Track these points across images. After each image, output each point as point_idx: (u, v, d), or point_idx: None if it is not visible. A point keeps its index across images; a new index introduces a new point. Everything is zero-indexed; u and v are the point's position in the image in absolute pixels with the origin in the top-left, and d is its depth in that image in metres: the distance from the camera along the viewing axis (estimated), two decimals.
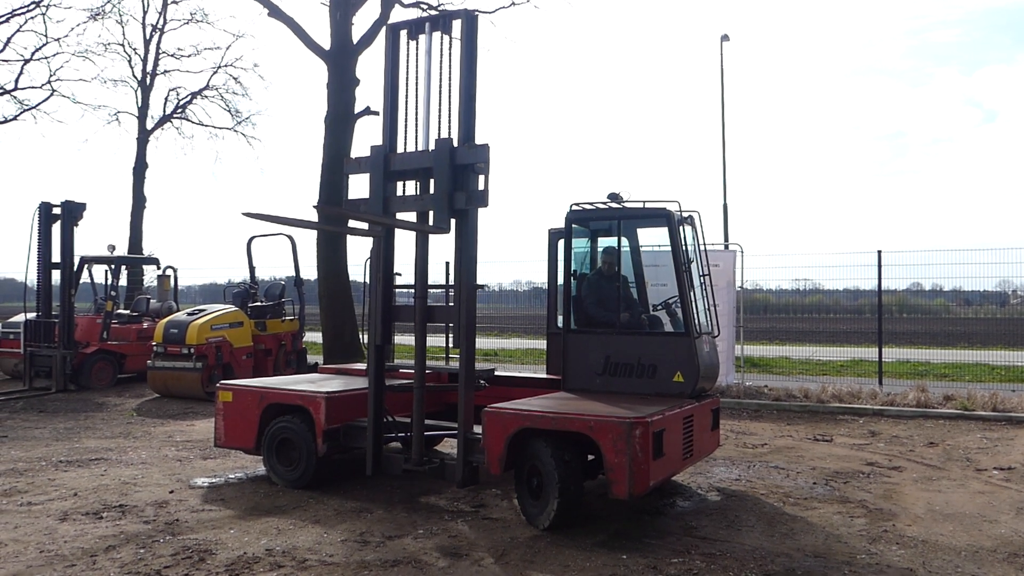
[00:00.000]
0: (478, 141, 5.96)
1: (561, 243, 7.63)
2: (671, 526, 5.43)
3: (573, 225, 6.88)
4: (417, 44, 6.29)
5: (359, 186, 6.55)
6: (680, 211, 6.55)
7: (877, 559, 4.72)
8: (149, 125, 26.94)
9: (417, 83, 6.26)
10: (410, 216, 6.35)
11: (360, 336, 15.51)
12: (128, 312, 14.59)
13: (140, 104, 26.74)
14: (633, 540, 5.09)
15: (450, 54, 6.09)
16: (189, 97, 27.73)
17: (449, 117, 6.08)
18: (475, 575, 4.43)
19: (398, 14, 15.95)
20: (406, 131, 6.31)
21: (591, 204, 6.89)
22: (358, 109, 15.46)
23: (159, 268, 15.35)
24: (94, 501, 5.95)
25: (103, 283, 14.94)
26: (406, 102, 6.32)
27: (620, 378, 6.43)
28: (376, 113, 15.55)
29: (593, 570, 4.51)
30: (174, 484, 6.56)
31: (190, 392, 11.92)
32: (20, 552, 4.73)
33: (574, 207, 6.87)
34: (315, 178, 15.42)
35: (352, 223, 7.02)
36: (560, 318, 7.78)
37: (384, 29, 6.34)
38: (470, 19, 5.99)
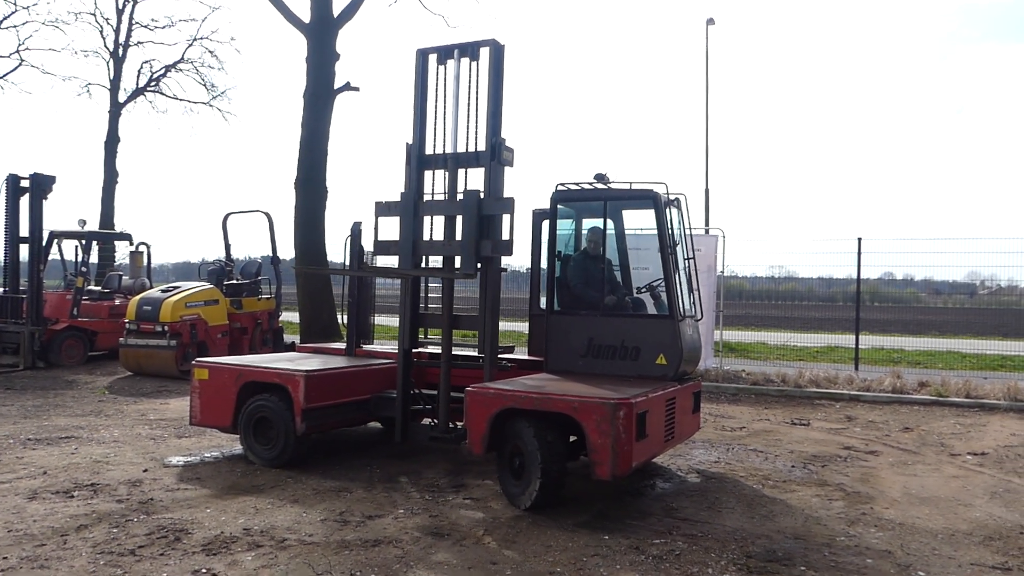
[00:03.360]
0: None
1: (545, 224, 7.57)
2: (652, 507, 5.43)
3: (559, 206, 6.81)
4: (445, 69, 6.47)
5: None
6: (667, 193, 6.50)
7: (856, 541, 4.76)
8: (121, 98, 26.38)
9: (445, 108, 6.47)
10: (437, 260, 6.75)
11: (340, 316, 15.34)
12: (99, 289, 14.29)
13: (112, 76, 26.17)
14: (615, 521, 5.08)
15: (477, 82, 6.30)
16: (163, 70, 27.18)
17: (476, 144, 6.29)
18: (456, 555, 4.39)
19: None
20: (434, 148, 6.50)
21: (577, 184, 6.83)
22: (338, 84, 15.18)
23: (131, 244, 15.03)
24: (64, 480, 5.81)
25: (73, 259, 14.61)
26: (434, 127, 6.51)
27: (603, 360, 6.39)
28: (356, 89, 15.31)
29: (575, 550, 4.49)
30: (148, 463, 6.43)
31: (164, 370, 11.72)
32: None
33: (559, 187, 6.80)
34: (293, 153, 15.10)
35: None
36: (543, 299, 7.76)
37: (415, 54, 6.58)
38: (497, 49, 6.21)
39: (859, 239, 11.61)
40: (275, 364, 6.67)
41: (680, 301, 6.31)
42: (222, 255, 14.36)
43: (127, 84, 26.49)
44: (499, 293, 6.30)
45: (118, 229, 23.12)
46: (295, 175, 15.00)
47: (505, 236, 6.14)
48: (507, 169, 6.28)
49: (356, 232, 7.88)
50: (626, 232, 7.58)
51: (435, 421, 6.46)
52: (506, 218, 6.10)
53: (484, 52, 6.29)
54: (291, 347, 14.70)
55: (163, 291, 12.43)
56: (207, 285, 12.85)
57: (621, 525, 4.99)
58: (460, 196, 6.30)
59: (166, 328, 11.68)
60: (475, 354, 6.94)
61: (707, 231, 13.60)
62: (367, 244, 7.55)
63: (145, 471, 6.13)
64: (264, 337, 13.64)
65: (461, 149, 6.38)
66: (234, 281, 13.68)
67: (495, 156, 6.14)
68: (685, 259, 6.69)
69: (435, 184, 6.52)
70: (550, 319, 6.68)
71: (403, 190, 6.52)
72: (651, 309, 6.74)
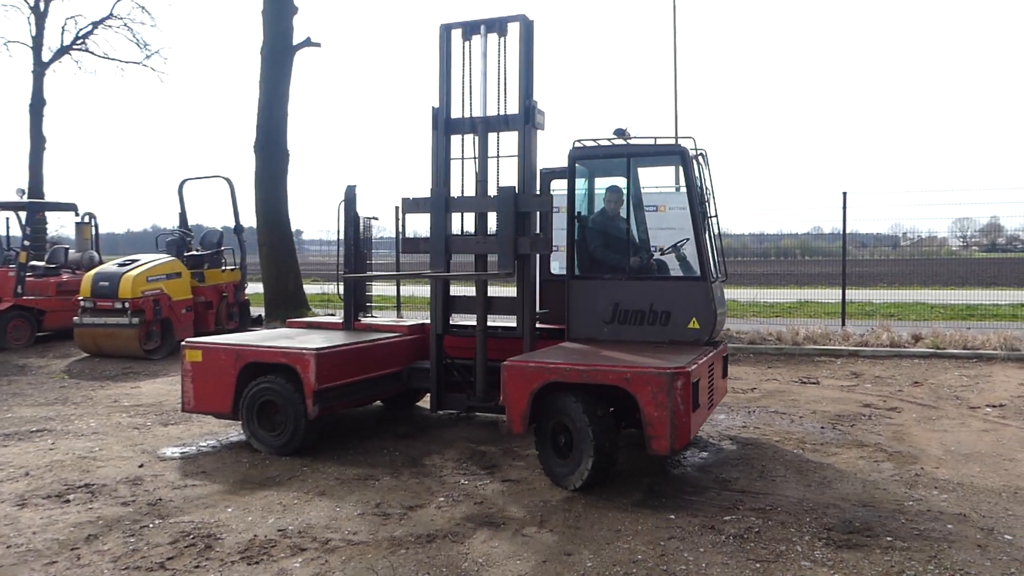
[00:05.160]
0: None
1: (555, 184, 7.16)
2: (703, 480, 5.17)
3: (576, 164, 6.37)
4: (470, 45, 6.15)
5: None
6: (695, 148, 6.14)
7: (925, 506, 4.59)
8: (45, 57, 24.41)
9: (472, 80, 6.15)
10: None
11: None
12: (44, 264, 13.19)
13: (34, 33, 24.13)
14: (671, 498, 4.80)
15: (506, 56, 6.04)
16: (90, 27, 25.24)
17: (506, 107, 6.04)
18: (522, 547, 4.02)
19: None
20: (463, 112, 6.20)
21: (594, 141, 6.39)
22: (298, 40, 14.19)
23: (77, 215, 13.89)
24: (52, 481, 5.18)
25: (7, 233, 13.44)
26: (461, 96, 6.17)
27: (630, 326, 6.05)
28: (317, 45, 14.37)
29: (647, 533, 4.18)
30: (140, 456, 5.83)
31: (126, 350, 10.89)
32: None
33: (577, 144, 6.35)
34: (252, 116, 14.14)
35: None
36: (554, 264, 7.36)
37: (438, 29, 6.20)
38: (527, 24, 5.92)
39: (844, 193, 11.53)
40: (278, 343, 6.10)
41: (711, 262, 6.02)
42: (167, 225, 13.41)
43: (51, 42, 24.52)
44: (535, 287, 6.16)
45: (47, 199, 21.60)
46: (254, 138, 14.06)
47: (545, 233, 6.06)
48: (539, 132, 6.09)
49: (350, 197, 7.29)
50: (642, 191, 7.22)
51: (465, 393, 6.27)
52: (544, 214, 6.03)
53: (513, 27, 6.03)
54: (259, 320, 13.97)
55: (120, 265, 11.49)
56: (168, 257, 11.94)
57: (681, 502, 4.71)
58: (493, 193, 6.09)
59: (126, 305, 10.81)
60: (504, 324, 6.72)
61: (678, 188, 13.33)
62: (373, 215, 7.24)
63: (141, 467, 5.54)
64: (230, 311, 12.84)
65: (491, 113, 6.08)
66: (194, 252, 12.79)
67: (529, 119, 5.89)
68: (708, 217, 6.38)
69: (464, 149, 6.24)
70: (571, 285, 6.28)
71: (431, 177, 6.20)
72: (677, 271, 6.43)
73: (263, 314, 14.35)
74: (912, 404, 7.38)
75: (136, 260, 11.64)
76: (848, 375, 8.86)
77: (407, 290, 20.99)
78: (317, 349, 5.76)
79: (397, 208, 14.75)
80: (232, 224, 13.39)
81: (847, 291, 11.53)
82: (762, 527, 4.25)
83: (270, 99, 13.91)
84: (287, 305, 14.69)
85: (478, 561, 3.83)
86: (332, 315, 13.99)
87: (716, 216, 6.62)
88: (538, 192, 6.71)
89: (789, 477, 5.20)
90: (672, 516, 4.45)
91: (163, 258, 11.84)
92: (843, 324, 11.38)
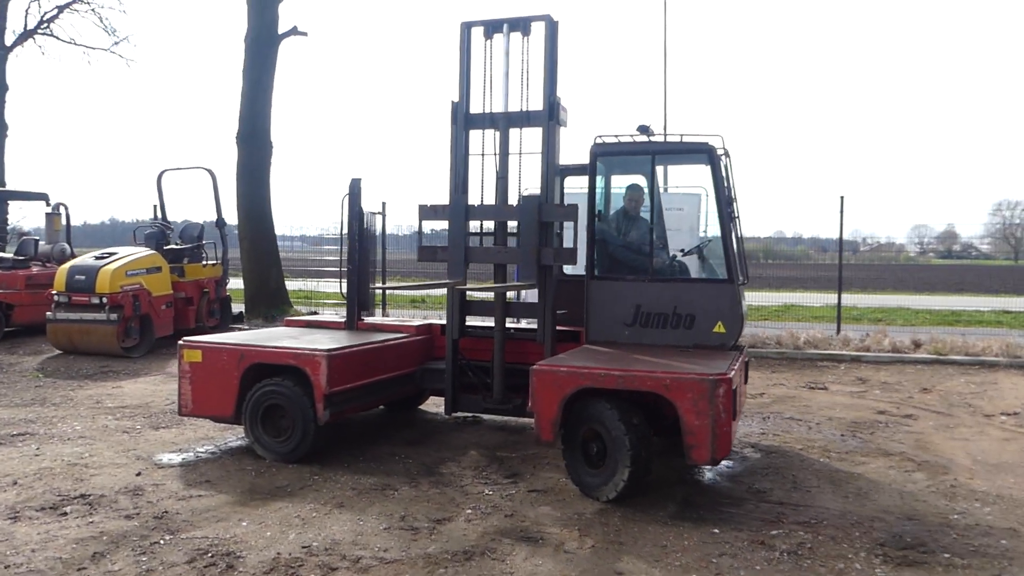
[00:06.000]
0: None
1: (569, 182, 6.94)
2: (736, 490, 4.99)
3: (598, 162, 6.15)
4: (492, 43, 5.96)
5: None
6: (722, 147, 5.96)
7: (972, 519, 4.46)
8: (8, 41, 23.42)
9: (493, 78, 5.95)
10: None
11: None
12: (12, 256, 12.56)
13: None
14: (709, 510, 4.60)
15: (529, 55, 5.86)
16: (55, 11, 24.31)
17: (528, 103, 5.85)
18: (567, 564, 3.78)
19: None
20: (483, 107, 6.00)
21: (616, 137, 6.18)
22: (283, 28, 13.74)
23: (48, 205, 13.25)
24: (44, 490, 4.79)
25: None
26: (482, 91, 5.97)
27: (653, 329, 5.85)
28: (304, 34, 13.93)
29: (695, 549, 3.97)
30: (136, 463, 5.45)
31: (103, 348, 10.37)
32: None
33: (598, 140, 6.13)
34: (235, 106, 13.64)
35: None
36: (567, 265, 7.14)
37: (459, 27, 6.01)
38: (551, 24, 5.75)
39: (841, 197, 11.50)
40: (284, 342, 5.77)
41: (736, 264, 5.84)
42: (125, 219, 12.90)
43: (15, 25, 23.56)
44: (552, 302, 5.93)
45: (9, 187, 20.71)
46: (237, 129, 13.57)
47: (570, 244, 5.83)
48: (561, 129, 5.91)
49: (355, 191, 6.96)
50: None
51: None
52: (568, 224, 5.84)
53: (537, 27, 5.84)
54: (240, 317, 13.50)
55: (97, 258, 10.95)
56: (147, 251, 11.42)
57: (720, 515, 4.51)
58: (513, 188, 5.93)
59: (104, 300, 10.29)
60: (520, 326, 6.51)
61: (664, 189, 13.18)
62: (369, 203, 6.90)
63: (139, 475, 5.17)
64: (211, 308, 12.36)
65: (513, 109, 5.88)
66: (174, 246, 12.29)
67: (553, 115, 5.72)
68: (734, 218, 6.22)
69: (484, 145, 6.04)
70: (591, 285, 6.06)
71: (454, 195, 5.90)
72: (701, 272, 6.26)
73: (244, 310, 13.88)
74: (926, 411, 7.31)
75: (114, 253, 11.11)
76: (854, 381, 8.78)
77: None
78: (328, 350, 5.44)
79: (384, 204, 14.43)
80: (209, 217, 12.91)
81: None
82: (813, 543, 4.07)
83: (254, 89, 13.45)
84: (269, 302, 14.25)
85: None
86: (315, 312, 13.61)
87: (739, 217, 6.47)
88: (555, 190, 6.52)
89: (824, 488, 5.03)
90: (716, 530, 4.25)
91: (142, 251, 11.32)
92: (839, 330, 11.34)
